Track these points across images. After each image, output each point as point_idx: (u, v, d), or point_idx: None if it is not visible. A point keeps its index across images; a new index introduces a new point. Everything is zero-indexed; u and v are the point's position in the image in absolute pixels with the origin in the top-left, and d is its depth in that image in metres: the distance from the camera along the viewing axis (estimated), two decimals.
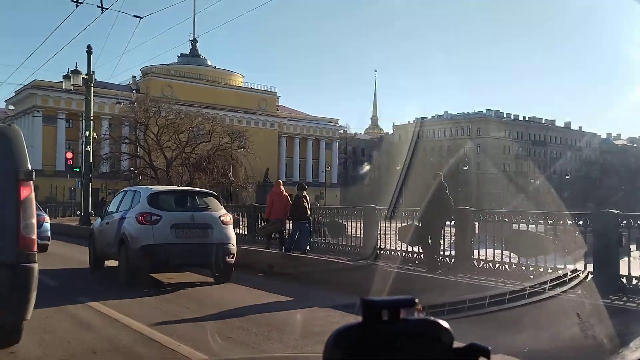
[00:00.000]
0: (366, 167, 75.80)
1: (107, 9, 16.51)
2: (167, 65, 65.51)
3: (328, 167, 73.97)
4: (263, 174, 54.58)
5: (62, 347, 5.34)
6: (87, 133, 24.62)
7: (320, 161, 76.47)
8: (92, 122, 25.00)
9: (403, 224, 10.98)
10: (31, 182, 4.97)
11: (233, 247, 9.54)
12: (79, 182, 25.28)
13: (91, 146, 24.95)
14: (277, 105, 74.39)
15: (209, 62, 71.86)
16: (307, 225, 12.23)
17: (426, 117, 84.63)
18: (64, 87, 27.78)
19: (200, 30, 75.30)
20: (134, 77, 62.68)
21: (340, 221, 12.77)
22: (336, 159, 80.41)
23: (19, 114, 59.42)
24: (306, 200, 12.17)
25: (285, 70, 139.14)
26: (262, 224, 13.63)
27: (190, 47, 70.73)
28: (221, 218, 9.64)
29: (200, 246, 9.23)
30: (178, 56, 69.39)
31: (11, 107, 61.57)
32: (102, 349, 5.31)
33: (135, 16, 18.25)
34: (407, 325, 0.97)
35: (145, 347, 5.36)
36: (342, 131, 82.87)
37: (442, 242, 9.85)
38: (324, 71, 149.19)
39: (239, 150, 38.18)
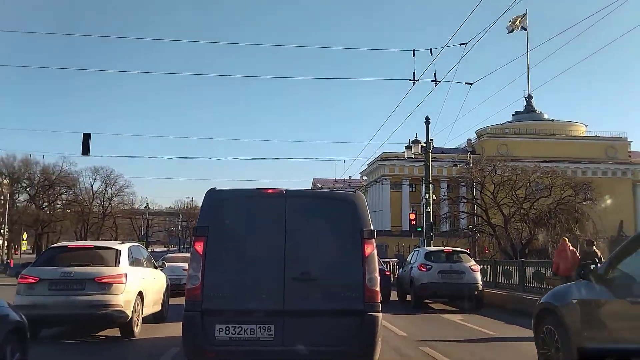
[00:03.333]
0: None
1: (440, 81, 17.74)
2: (501, 124, 65.66)
3: None
4: (617, 227, 48.52)
5: None
6: (427, 195, 26.30)
7: None
8: (431, 185, 26.63)
9: None
10: (373, 241, 5.54)
11: (479, 286, 14.81)
12: (422, 241, 27.06)
13: (431, 207, 26.47)
14: (630, 152, 65.91)
15: (545, 116, 69.21)
16: None
17: None
18: (406, 156, 30.68)
19: (534, 84, 73.53)
20: (469, 139, 64.76)
21: None
22: None
23: (370, 183, 68.34)
24: (596, 255, 12.86)
25: (636, 112, 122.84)
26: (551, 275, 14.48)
27: (525, 103, 69.60)
28: (471, 267, 15.15)
29: (456, 285, 14.59)
30: (512, 114, 68.97)
31: (365, 177, 71.08)
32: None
33: (466, 83, 19.08)
34: None
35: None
36: None
37: None
38: None
39: (584, 203, 34.94)
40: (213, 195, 5.66)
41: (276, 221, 5.46)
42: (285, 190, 5.68)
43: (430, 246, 21.81)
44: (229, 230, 5.49)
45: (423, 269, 14.89)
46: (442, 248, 18.23)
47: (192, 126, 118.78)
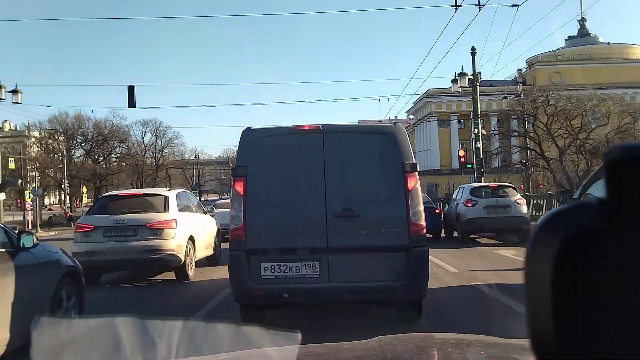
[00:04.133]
0: None
1: (484, 5, 16.83)
2: (553, 51, 62.30)
3: None
4: None
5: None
6: (476, 131, 25.58)
7: None
8: (480, 119, 25.84)
9: None
10: (416, 174, 5.35)
11: (527, 219, 14.85)
12: (473, 178, 26.44)
13: (481, 143, 25.77)
14: None
15: (600, 40, 65.18)
16: None
17: None
18: (452, 91, 29.70)
19: (587, 2, 68.89)
20: (519, 69, 61.96)
21: None
22: None
23: (417, 121, 66.82)
24: None
25: None
26: None
27: (578, 27, 65.63)
28: (516, 200, 15.26)
29: (502, 219, 14.65)
30: (565, 40, 65.32)
31: (411, 116, 69.58)
32: None
33: (512, 5, 17.99)
34: None
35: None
36: None
37: None
38: None
39: None
40: (249, 135, 5.55)
41: (314, 157, 5.35)
42: (322, 125, 5.52)
43: (481, 182, 21.41)
44: (267, 169, 5.42)
45: (469, 205, 15.20)
46: (487, 183, 18.41)
47: (236, 74, 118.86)
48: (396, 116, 61.87)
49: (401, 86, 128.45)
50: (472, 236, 15.59)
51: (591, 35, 65.78)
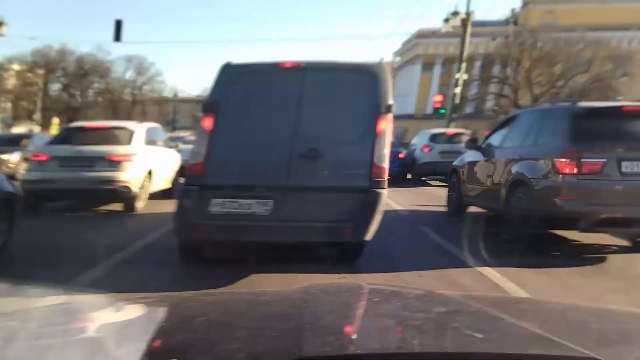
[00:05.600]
0: None
1: None
2: None
3: None
4: None
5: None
6: (458, 75, 24.80)
7: None
8: (464, 64, 24.96)
9: None
10: (389, 115, 5.16)
11: None
12: (442, 124, 26.07)
13: (460, 88, 25.17)
14: None
15: None
16: None
17: None
18: (443, 31, 28.28)
19: None
20: (513, 9, 60.21)
21: None
22: None
23: (404, 64, 65.13)
24: None
25: None
26: None
27: None
28: None
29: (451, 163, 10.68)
30: None
31: (398, 58, 67.90)
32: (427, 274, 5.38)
33: None
34: None
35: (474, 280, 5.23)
36: None
37: None
38: None
39: (621, 79, 32.77)
40: (227, 70, 5.30)
41: (291, 96, 5.17)
42: (305, 63, 5.32)
43: (448, 129, 21.61)
44: (240, 107, 5.20)
45: (426, 150, 16.58)
46: (445, 130, 19.33)
47: (225, 11, 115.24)
48: (383, 58, 60.62)
49: (394, 26, 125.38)
50: (423, 178, 17.00)
51: None
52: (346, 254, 5.70)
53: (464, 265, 5.59)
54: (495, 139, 8.27)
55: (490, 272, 5.37)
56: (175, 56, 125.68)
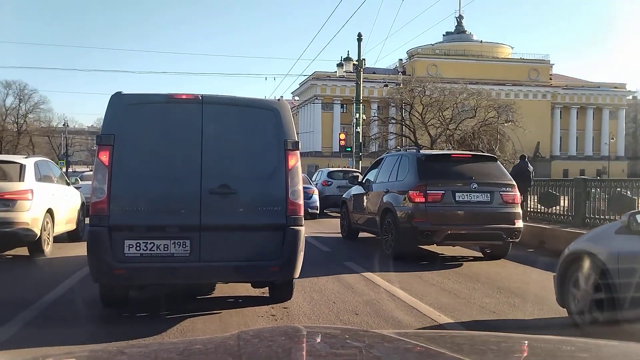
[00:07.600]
0: None
1: None
2: (432, 45, 65.86)
3: (612, 139, 65.61)
4: (534, 148, 51.07)
5: (327, 307, 5.59)
6: (357, 115, 26.22)
7: (602, 132, 68.36)
8: (361, 105, 26.50)
9: None
10: (297, 152, 5.15)
11: None
12: (351, 161, 27.30)
13: (361, 128, 26.51)
14: (551, 75, 68.42)
15: (474, 38, 69.97)
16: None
17: None
18: (337, 75, 30.18)
19: (466, 4, 73.44)
20: (400, 60, 64.70)
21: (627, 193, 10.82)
22: (623, 129, 70.57)
23: (302, 103, 67.34)
24: (528, 166, 13.36)
25: (559, 36, 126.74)
26: None
27: (456, 24, 69.93)
28: None
29: None
30: (443, 35, 69.31)
31: (297, 97, 69.95)
32: (364, 311, 5.45)
33: None
34: None
35: (406, 314, 5.36)
36: (630, 97, 72.15)
37: None
38: (605, 31, 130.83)
39: (505, 124, 36.28)
40: (118, 100, 4.99)
41: (191, 129, 4.95)
42: (202, 95, 5.11)
43: (359, 166, 22.69)
44: (137, 139, 4.91)
45: (325, 185, 19.23)
46: (341, 168, 22.88)
47: (110, 39, 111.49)
48: (282, 96, 61.91)
49: (289, 67, 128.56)
50: (325, 210, 18.55)
51: (466, 32, 70.36)
52: (275, 294, 5.61)
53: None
54: (371, 176, 10.28)
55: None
56: (62, 83, 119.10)
